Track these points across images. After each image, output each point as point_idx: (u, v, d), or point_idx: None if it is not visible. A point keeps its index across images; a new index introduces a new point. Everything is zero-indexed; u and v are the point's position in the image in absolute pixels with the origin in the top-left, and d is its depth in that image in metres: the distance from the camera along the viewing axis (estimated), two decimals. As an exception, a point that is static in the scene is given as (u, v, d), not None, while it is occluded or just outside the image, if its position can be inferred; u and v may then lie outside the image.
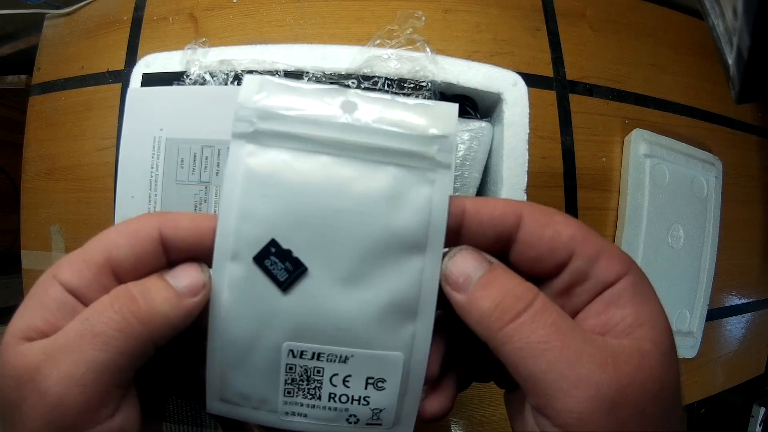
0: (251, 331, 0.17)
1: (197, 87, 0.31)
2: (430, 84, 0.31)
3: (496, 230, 0.17)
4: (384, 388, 0.18)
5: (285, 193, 0.17)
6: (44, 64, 0.53)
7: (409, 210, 0.17)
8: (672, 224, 0.51)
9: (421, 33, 0.33)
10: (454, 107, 0.18)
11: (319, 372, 0.17)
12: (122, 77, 0.49)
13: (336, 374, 0.17)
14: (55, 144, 0.51)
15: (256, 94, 0.18)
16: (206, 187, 0.30)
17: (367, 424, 0.18)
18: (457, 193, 0.33)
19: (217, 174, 0.30)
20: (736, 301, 0.58)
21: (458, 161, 0.33)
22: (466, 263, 0.17)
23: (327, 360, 0.17)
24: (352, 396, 0.18)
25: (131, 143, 0.31)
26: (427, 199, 0.17)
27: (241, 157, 0.17)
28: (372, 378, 0.18)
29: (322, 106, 0.18)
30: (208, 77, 0.32)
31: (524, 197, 0.32)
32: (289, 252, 0.17)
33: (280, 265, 0.17)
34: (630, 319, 0.15)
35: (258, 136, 0.17)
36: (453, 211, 0.17)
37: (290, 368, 0.17)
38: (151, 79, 0.32)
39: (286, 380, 0.17)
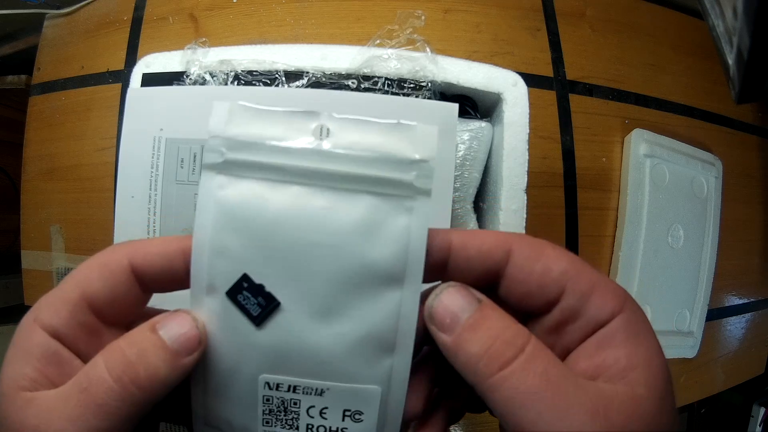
0: (229, 363, 0.17)
1: (197, 87, 0.31)
2: (430, 84, 0.31)
3: (485, 265, 0.16)
4: (362, 420, 0.18)
5: (256, 227, 0.16)
6: (44, 64, 0.53)
7: (385, 241, 0.16)
8: (672, 224, 0.51)
9: (421, 33, 0.33)
10: (434, 129, 0.17)
11: (295, 404, 0.17)
12: (122, 77, 0.49)
13: (313, 406, 0.17)
14: (55, 144, 0.51)
15: (225, 121, 0.17)
16: (206, 187, 0.30)
17: None
18: (456, 194, 0.33)
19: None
20: (736, 301, 0.58)
21: (458, 161, 0.33)
22: (453, 301, 0.16)
23: (303, 392, 0.17)
24: (330, 427, 0.18)
25: (131, 143, 0.31)
26: (404, 229, 0.16)
27: (211, 190, 0.17)
28: (349, 410, 0.18)
29: (294, 132, 0.17)
30: (208, 77, 0.32)
31: (524, 197, 0.32)
32: (261, 287, 0.16)
33: (253, 300, 0.17)
34: (624, 362, 0.15)
35: (228, 167, 0.17)
36: (439, 245, 0.16)
37: (267, 399, 0.17)
38: (151, 79, 0.32)
39: (264, 411, 0.18)
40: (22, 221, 0.52)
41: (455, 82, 0.33)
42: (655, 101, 0.54)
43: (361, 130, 0.17)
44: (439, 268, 0.17)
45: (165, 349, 0.15)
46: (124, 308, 0.17)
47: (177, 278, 0.17)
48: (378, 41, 0.32)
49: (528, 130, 0.32)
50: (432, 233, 0.17)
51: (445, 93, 0.33)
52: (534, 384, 0.14)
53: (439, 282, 0.17)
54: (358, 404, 0.17)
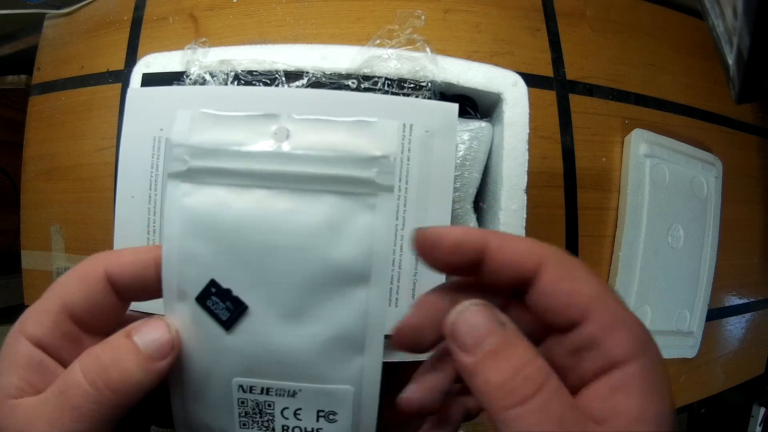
0: (204, 368, 0.17)
1: (197, 87, 0.31)
2: (430, 84, 0.31)
3: (516, 273, 0.16)
4: (336, 420, 0.18)
5: (221, 232, 0.17)
6: (44, 64, 0.53)
7: (349, 240, 0.16)
8: (672, 224, 0.51)
9: (421, 33, 0.33)
10: (395, 124, 0.17)
11: (269, 405, 0.18)
12: (122, 77, 0.49)
13: (287, 407, 0.18)
14: (55, 144, 0.51)
15: (188, 129, 0.17)
16: (206, 187, 0.30)
17: None
18: (456, 194, 0.33)
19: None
20: (736, 301, 0.58)
21: (458, 161, 0.33)
22: (476, 321, 0.15)
23: (276, 394, 0.17)
24: (305, 428, 0.18)
25: (131, 143, 0.31)
26: (368, 227, 0.17)
27: (176, 198, 0.17)
28: (323, 411, 0.18)
29: (255, 135, 0.17)
30: (208, 77, 0.32)
31: (524, 197, 0.32)
32: (228, 291, 0.17)
33: (221, 304, 0.17)
34: (635, 413, 0.14)
35: (192, 174, 0.17)
36: (475, 245, 0.16)
37: (242, 402, 0.18)
38: (151, 79, 0.32)
39: (240, 413, 0.18)
40: (22, 221, 0.52)
41: (455, 82, 0.33)
42: (655, 101, 0.54)
43: (321, 129, 0.17)
44: (472, 267, 0.17)
45: (138, 353, 0.16)
46: (103, 317, 0.17)
47: (150, 287, 0.17)
48: (378, 41, 0.32)
49: (528, 130, 0.32)
50: (471, 232, 0.17)
51: (445, 93, 0.33)
52: (548, 427, 0.14)
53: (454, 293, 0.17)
54: (332, 405, 0.18)
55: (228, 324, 0.17)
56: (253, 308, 0.17)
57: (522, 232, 0.32)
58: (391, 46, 0.32)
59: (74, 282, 0.17)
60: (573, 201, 0.49)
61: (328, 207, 0.17)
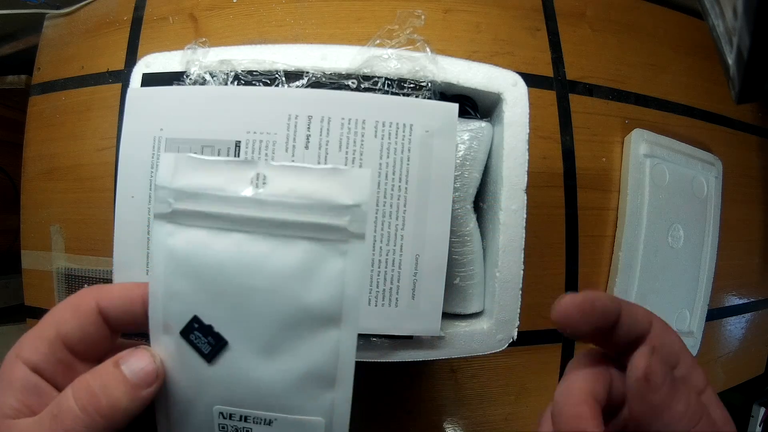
0: (187, 395, 0.19)
1: (197, 87, 0.31)
2: (430, 84, 0.31)
3: (639, 331, 0.19)
4: None
5: (203, 272, 0.18)
6: (44, 64, 0.53)
7: (321, 284, 0.18)
8: (672, 224, 0.51)
9: (421, 33, 0.33)
10: (367, 172, 0.18)
11: (248, 431, 0.19)
12: (122, 77, 0.49)
13: None
14: (55, 144, 0.51)
15: (172, 172, 0.18)
16: (206, 187, 0.30)
17: None
18: (456, 194, 0.33)
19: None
20: (736, 301, 0.58)
21: (458, 161, 0.33)
22: (657, 369, 0.17)
23: (253, 422, 0.19)
24: None
25: (131, 143, 0.31)
26: (339, 272, 0.18)
27: (162, 238, 0.18)
28: None
29: (234, 181, 0.18)
30: (208, 77, 0.31)
31: (524, 197, 0.32)
32: (210, 327, 0.18)
33: (203, 339, 0.18)
34: (723, 419, 0.19)
35: (176, 216, 0.18)
36: (615, 305, 0.19)
37: (223, 427, 0.19)
38: (151, 79, 0.32)
39: None
40: (22, 221, 0.52)
41: (455, 82, 0.32)
42: (655, 101, 0.54)
43: (296, 176, 0.18)
44: (612, 325, 0.19)
45: (125, 382, 0.17)
46: (94, 345, 0.19)
47: (138, 321, 0.19)
48: (378, 41, 0.32)
49: (528, 130, 0.32)
50: (611, 297, 0.19)
51: (445, 93, 0.33)
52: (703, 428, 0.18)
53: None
54: None
55: (209, 357, 0.18)
56: (232, 343, 0.18)
57: (522, 232, 0.32)
58: (391, 46, 0.32)
59: (68, 312, 0.18)
60: (573, 201, 0.49)
61: (301, 252, 0.18)
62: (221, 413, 0.19)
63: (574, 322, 0.18)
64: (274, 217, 0.18)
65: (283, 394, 0.18)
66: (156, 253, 0.18)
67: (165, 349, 0.18)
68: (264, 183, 0.18)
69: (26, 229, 0.52)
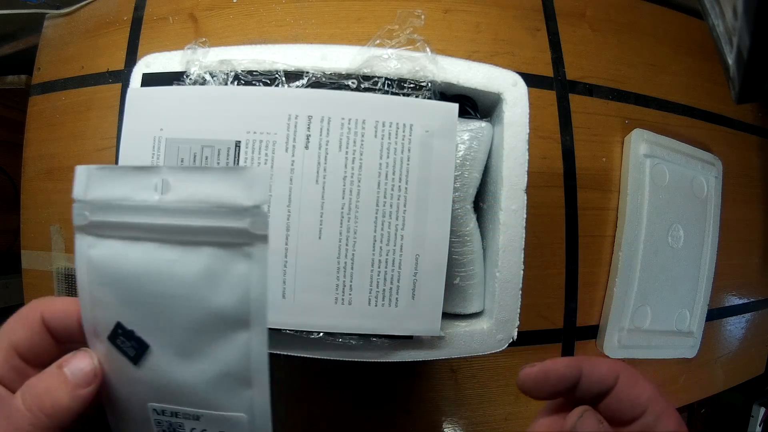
0: (125, 393, 0.20)
1: (197, 87, 0.31)
2: (430, 84, 0.31)
3: (602, 387, 0.21)
4: None
5: (120, 281, 0.19)
6: (44, 64, 0.53)
7: (227, 288, 0.18)
8: (672, 224, 0.51)
9: (421, 33, 0.33)
10: (266, 170, 0.19)
11: (180, 426, 0.20)
12: (122, 77, 0.49)
13: (194, 428, 0.20)
14: (55, 144, 0.51)
15: (85, 185, 0.18)
16: (206, 187, 0.30)
17: None
18: (456, 194, 0.33)
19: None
20: (736, 301, 0.58)
21: (458, 161, 0.33)
22: (591, 423, 0.20)
23: (183, 417, 0.20)
24: None
25: (131, 143, 0.31)
26: (244, 275, 0.18)
27: (83, 249, 0.19)
28: None
29: (140, 189, 0.18)
30: (208, 77, 0.31)
31: (524, 197, 0.32)
32: (132, 332, 0.19)
33: (128, 343, 0.19)
34: None
35: (93, 228, 0.18)
36: (575, 374, 0.21)
37: (158, 422, 0.20)
38: (151, 79, 0.32)
39: (158, 431, 0.21)
40: (22, 221, 0.52)
41: (455, 82, 0.32)
42: (655, 101, 0.54)
43: (197, 180, 0.18)
44: (571, 386, 0.21)
45: (67, 382, 0.19)
46: (42, 353, 0.20)
47: (75, 333, 0.20)
48: (378, 41, 0.32)
49: (528, 130, 0.32)
50: (569, 364, 0.21)
51: (445, 93, 0.33)
52: None
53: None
54: (231, 428, 0.20)
55: (135, 360, 0.19)
56: (153, 347, 0.19)
57: (522, 232, 0.32)
58: (391, 46, 0.32)
59: (18, 323, 0.20)
60: (573, 201, 0.49)
61: (206, 258, 0.18)
62: (154, 410, 0.20)
63: (532, 392, 0.21)
64: (178, 223, 0.18)
65: (204, 393, 0.19)
66: (79, 265, 0.19)
67: (99, 353, 0.20)
68: (167, 189, 0.18)
69: (26, 229, 0.52)
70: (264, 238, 0.18)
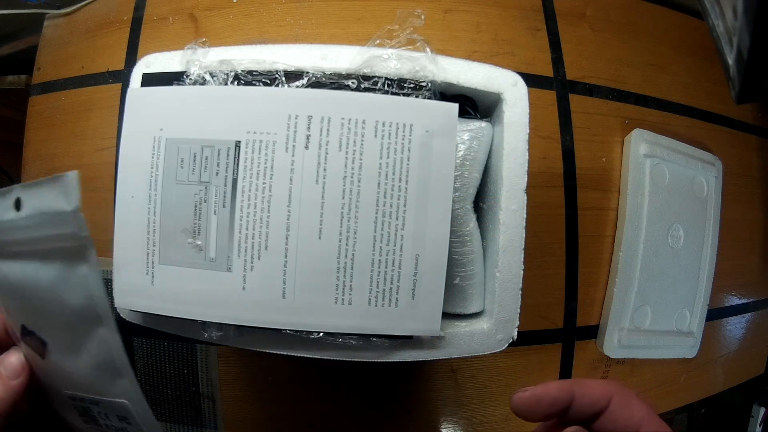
0: (47, 383, 0.23)
1: (197, 87, 0.31)
2: (430, 84, 0.31)
3: (595, 409, 0.22)
4: (131, 423, 0.23)
5: (14, 291, 0.21)
6: (44, 64, 0.53)
7: (75, 289, 0.20)
8: (672, 224, 0.51)
9: (421, 33, 0.33)
10: (74, 174, 0.20)
11: (89, 409, 0.23)
12: (122, 77, 0.49)
13: (99, 411, 0.23)
14: (55, 144, 0.51)
15: None
16: (206, 187, 0.30)
17: None
18: (456, 194, 0.33)
19: (216, 174, 0.30)
20: (736, 301, 0.58)
21: (458, 161, 0.33)
22: None
23: (89, 402, 0.23)
24: (116, 426, 0.24)
25: (131, 143, 0.31)
26: (84, 276, 0.20)
27: None
28: (121, 415, 0.23)
29: (3, 210, 0.20)
30: (208, 77, 0.31)
31: (524, 197, 0.32)
32: (33, 332, 0.22)
33: (33, 341, 0.22)
34: None
35: None
36: (567, 398, 0.22)
37: (75, 406, 0.23)
38: (151, 79, 0.32)
39: (78, 413, 0.23)
40: (22, 221, 0.52)
41: (455, 82, 0.32)
42: (655, 101, 0.54)
43: (37, 193, 0.20)
44: (563, 409, 0.22)
45: (0, 376, 0.22)
46: None
47: (4, 341, 0.23)
48: (378, 41, 0.32)
49: (528, 130, 0.32)
50: (561, 387, 0.22)
51: (445, 93, 0.33)
52: None
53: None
54: (123, 412, 0.22)
55: (42, 354, 0.22)
56: (49, 343, 0.21)
57: (522, 232, 0.32)
58: (391, 46, 0.32)
59: None
60: (573, 201, 0.49)
61: (58, 263, 0.20)
62: (69, 396, 0.23)
63: (525, 416, 0.22)
64: (34, 235, 0.20)
65: (91, 383, 0.22)
66: None
67: (23, 350, 0.23)
68: (21, 206, 0.20)
69: (26, 229, 0.51)
70: (89, 239, 0.20)
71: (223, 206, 0.30)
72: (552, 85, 0.50)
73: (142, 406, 0.22)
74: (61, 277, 0.20)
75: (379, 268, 0.30)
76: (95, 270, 0.20)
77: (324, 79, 0.31)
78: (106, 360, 0.21)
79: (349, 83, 0.31)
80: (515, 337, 0.32)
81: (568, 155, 0.49)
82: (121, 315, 0.33)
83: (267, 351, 0.31)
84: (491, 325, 0.32)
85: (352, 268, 0.29)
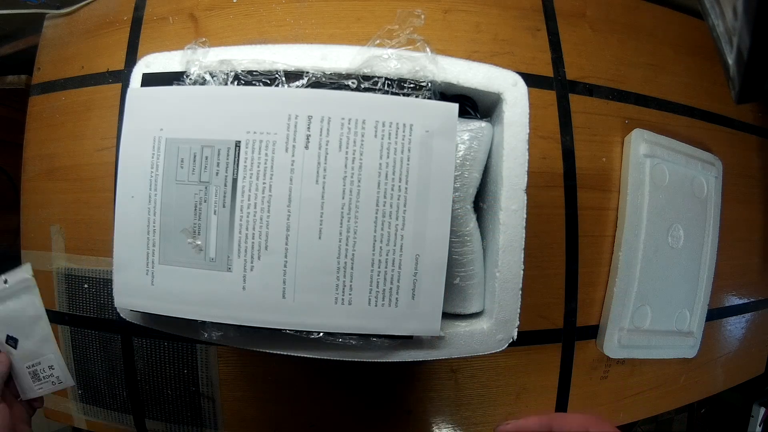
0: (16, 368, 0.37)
1: (197, 87, 0.31)
2: (430, 84, 0.31)
3: None
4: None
5: None
6: (44, 64, 0.53)
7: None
8: (672, 224, 0.51)
9: (421, 33, 0.33)
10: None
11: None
12: (122, 77, 0.49)
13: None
14: (55, 144, 0.51)
15: None
16: (206, 187, 0.30)
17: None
18: (456, 194, 0.33)
19: (216, 174, 0.30)
20: (736, 301, 0.58)
21: (458, 161, 0.33)
22: None
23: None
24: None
25: (131, 143, 0.31)
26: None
27: None
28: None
29: None
30: (208, 77, 0.31)
31: (524, 197, 0.32)
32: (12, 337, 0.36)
33: (11, 341, 0.36)
34: None
35: None
36: (543, 429, 0.24)
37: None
38: (151, 79, 0.32)
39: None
40: (22, 221, 0.52)
41: (455, 82, 0.32)
42: (655, 101, 0.54)
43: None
44: None
45: None
46: None
47: None
48: (378, 41, 0.32)
49: (528, 130, 0.32)
50: (541, 422, 0.25)
51: (445, 93, 0.33)
52: None
53: None
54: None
55: (14, 346, 0.37)
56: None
57: (522, 232, 0.32)
58: (391, 46, 0.32)
59: None
60: (573, 201, 0.49)
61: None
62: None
63: None
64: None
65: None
66: None
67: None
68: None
69: (26, 229, 0.52)
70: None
71: (223, 206, 0.30)
72: (552, 85, 0.50)
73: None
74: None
75: (379, 268, 0.30)
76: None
77: (324, 79, 0.31)
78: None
79: (349, 83, 0.31)
80: (515, 337, 0.32)
81: (568, 155, 0.49)
82: (121, 315, 0.33)
83: (267, 351, 0.31)
84: (491, 325, 0.32)
85: (352, 268, 0.29)
